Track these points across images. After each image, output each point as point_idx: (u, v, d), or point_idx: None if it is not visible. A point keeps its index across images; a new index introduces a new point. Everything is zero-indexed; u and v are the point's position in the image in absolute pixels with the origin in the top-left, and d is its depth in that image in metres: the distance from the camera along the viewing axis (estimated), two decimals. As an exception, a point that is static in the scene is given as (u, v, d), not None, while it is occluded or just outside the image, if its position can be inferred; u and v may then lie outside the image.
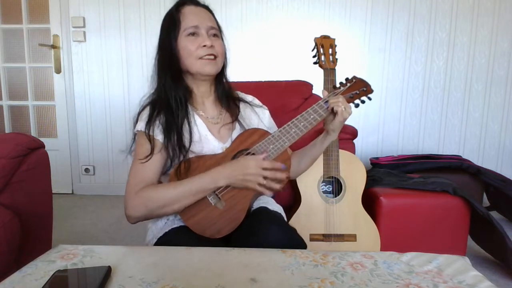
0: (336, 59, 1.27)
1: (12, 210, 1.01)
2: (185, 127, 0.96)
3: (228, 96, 1.07)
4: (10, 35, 2.72)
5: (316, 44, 1.27)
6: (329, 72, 1.26)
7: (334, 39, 1.28)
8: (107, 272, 0.64)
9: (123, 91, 2.68)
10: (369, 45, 2.51)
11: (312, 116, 0.96)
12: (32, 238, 1.11)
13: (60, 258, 0.72)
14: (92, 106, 2.71)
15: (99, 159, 2.77)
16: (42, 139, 1.21)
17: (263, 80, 1.74)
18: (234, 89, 1.11)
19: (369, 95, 1.04)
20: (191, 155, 0.95)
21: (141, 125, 0.95)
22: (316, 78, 1.67)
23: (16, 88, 2.78)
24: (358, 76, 1.05)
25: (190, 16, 0.95)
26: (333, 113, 0.96)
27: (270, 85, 1.74)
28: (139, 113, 0.99)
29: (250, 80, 1.73)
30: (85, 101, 2.71)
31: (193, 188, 0.88)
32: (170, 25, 0.96)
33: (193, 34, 0.95)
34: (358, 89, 1.02)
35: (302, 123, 0.96)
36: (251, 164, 0.88)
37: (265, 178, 0.89)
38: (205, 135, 0.99)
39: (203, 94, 1.04)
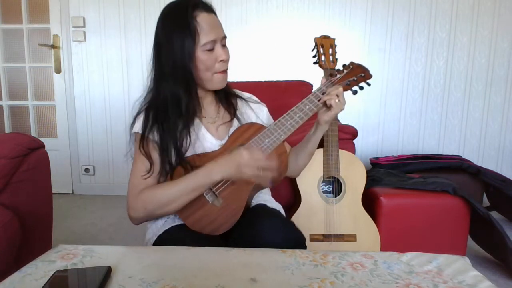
0: (336, 59, 1.27)
1: (12, 210, 1.01)
2: (183, 132, 0.94)
3: (226, 94, 1.06)
4: (10, 35, 2.72)
5: (316, 44, 1.27)
6: (329, 72, 1.26)
7: (334, 39, 1.27)
8: (107, 272, 0.64)
9: (123, 91, 2.68)
10: (369, 45, 2.51)
11: (308, 107, 0.94)
12: (32, 238, 1.11)
13: (60, 258, 0.72)
14: (92, 106, 2.71)
15: (99, 159, 2.77)
16: (42, 139, 1.21)
17: (263, 80, 1.74)
18: (230, 86, 1.09)
19: (368, 81, 1.00)
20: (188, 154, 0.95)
21: (138, 127, 0.96)
22: (316, 78, 1.66)
23: (16, 88, 2.78)
24: (356, 61, 1.00)
25: (206, 27, 0.90)
26: (327, 106, 0.94)
27: (270, 85, 1.74)
28: (136, 116, 0.99)
29: (250, 80, 1.73)
30: (85, 101, 2.71)
31: (189, 186, 0.88)
32: (185, 31, 0.89)
33: (210, 50, 0.92)
34: (356, 75, 0.98)
35: (297, 115, 0.93)
36: (244, 154, 0.85)
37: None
38: (202, 134, 1.00)
39: (202, 96, 1.03)
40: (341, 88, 0.93)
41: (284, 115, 0.94)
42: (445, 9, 2.44)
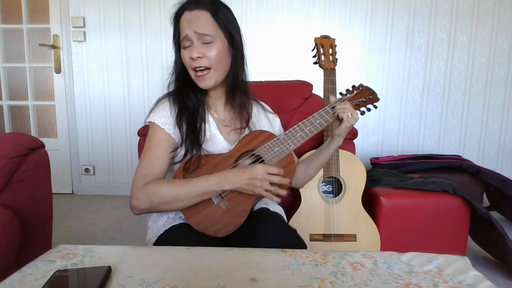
0: (336, 59, 1.27)
1: (12, 210, 1.01)
2: (199, 125, 0.97)
3: (241, 100, 1.05)
4: (10, 35, 2.72)
5: (316, 44, 1.27)
6: (329, 72, 1.26)
7: (334, 39, 1.28)
8: (107, 272, 0.64)
9: (123, 91, 2.68)
10: (369, 45, 2.51)
11: (318, 121, 0.96)
12: (32, 238, 1.11)
13: (60, 258, 0.73)
14: (92, 106, 2.71)
15: (99, 159, 2.77)
16: (42, 139, 1.22)
17: (263, 80, 1.74)
18: (250, 92, 1.09)
19: (375, 104, 1.05)
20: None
21: (158, 119, 0.95)
22: (316, 78, 1.67)
23: (16, 88, 2.78)
24: (365, 84, 1.05)
25: (183, 25, 0.92)
26: (339, 119, 0.96)
27: (270, 85, 1.74)
28: (157, 103, 1.00)
29: (251, 80, 1.73)
30: (85, 101, 2.71)
31: (199, 190, 0.88)
32: (175, 31, 0.96)
33: (187, 46, 0.93)
34: (365, 96, 1.03)
35: (307, 128, 0.96)
36: (259, 169, 0.87)
37: (272, 184, 0.89)
38: (215, 134, 1.00)
39: (217, 96, 1.03)
40: (348, 103, 0.97)
41: (294, 126, 0.96)
42: (445, 9, 2.44)
